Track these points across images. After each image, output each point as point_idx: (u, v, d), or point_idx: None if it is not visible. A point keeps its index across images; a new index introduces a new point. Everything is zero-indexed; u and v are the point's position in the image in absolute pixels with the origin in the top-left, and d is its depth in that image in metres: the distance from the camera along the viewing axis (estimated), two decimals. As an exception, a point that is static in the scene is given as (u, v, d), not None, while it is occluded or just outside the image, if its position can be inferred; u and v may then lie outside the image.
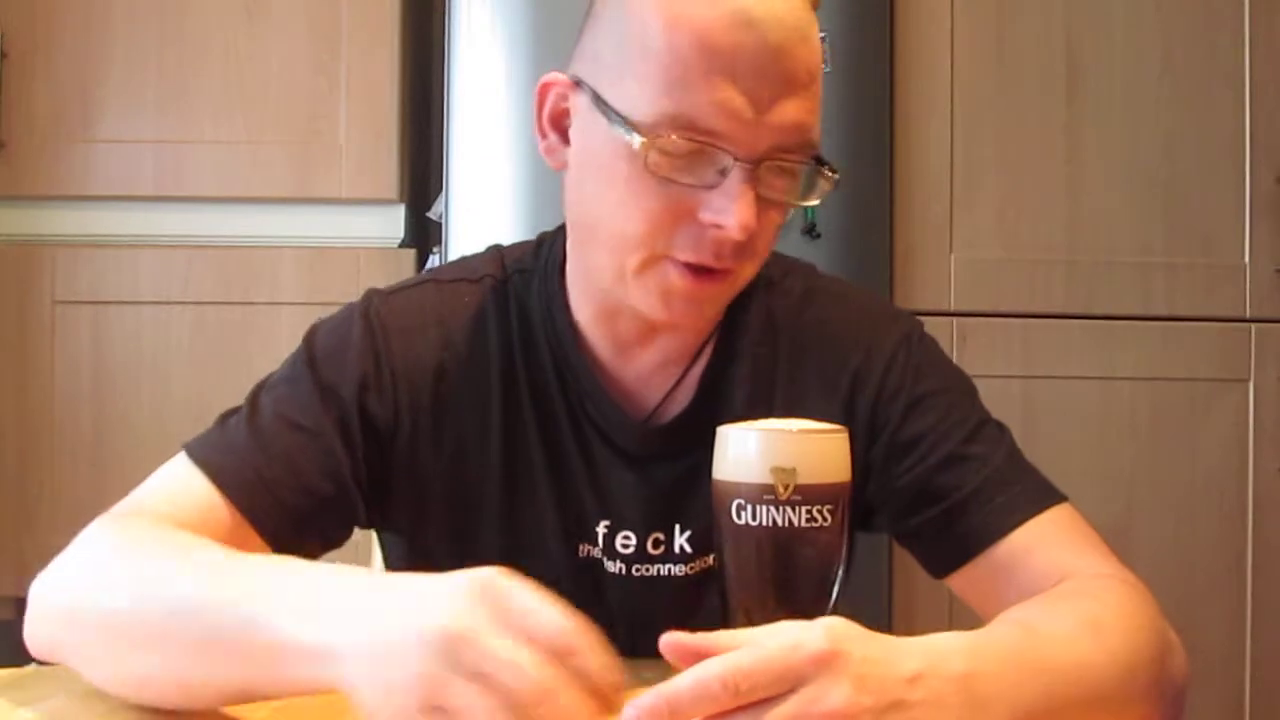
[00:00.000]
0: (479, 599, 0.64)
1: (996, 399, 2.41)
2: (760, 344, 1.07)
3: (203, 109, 2.30)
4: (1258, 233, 2.32)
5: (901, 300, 2.21)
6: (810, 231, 2.17)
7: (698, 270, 0.92)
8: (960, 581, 1.00)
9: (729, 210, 0.88)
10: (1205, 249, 2.32)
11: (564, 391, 1.04)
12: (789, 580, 0.78)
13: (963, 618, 0.86)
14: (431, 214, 2.36)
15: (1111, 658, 0.81)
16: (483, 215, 2.15)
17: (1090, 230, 2.31)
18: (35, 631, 0.88)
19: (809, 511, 0.78)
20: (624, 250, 0.93)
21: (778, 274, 1.10)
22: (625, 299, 0.97)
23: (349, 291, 2.19)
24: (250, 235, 2.32)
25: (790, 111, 0.89)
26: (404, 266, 2.29)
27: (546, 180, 2.14)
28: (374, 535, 1.23)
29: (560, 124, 0.98)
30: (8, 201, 2.30)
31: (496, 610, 0.64)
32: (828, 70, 2.16)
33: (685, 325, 0.99)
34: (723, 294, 0.97)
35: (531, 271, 1.07)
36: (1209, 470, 2.29)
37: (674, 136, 0.88)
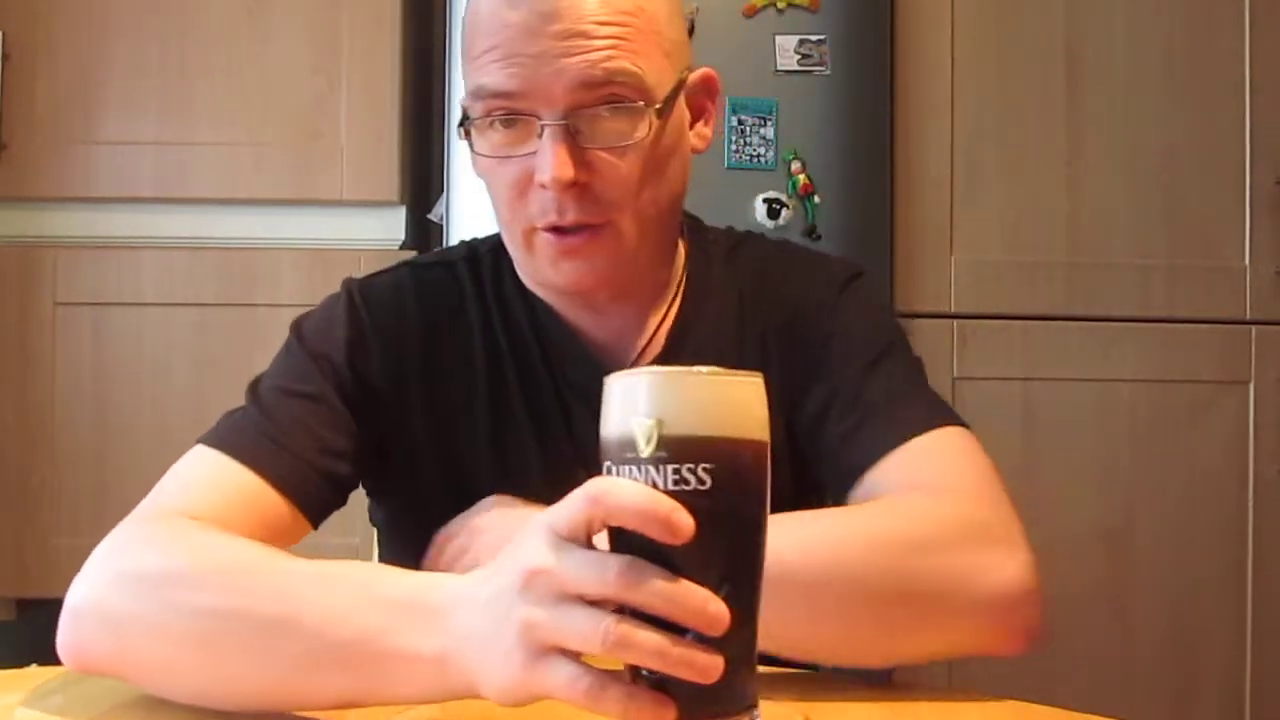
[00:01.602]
0: (540, 537, 0.64)
1: (997, 400, 2.41)
2: (723, 297, 1.11)
3: (203, 111, 2.30)
4: (1258, 234, 2.32)
5: (902, 301, 2.21)
6: (810, 233, 2.18)
7: (556, 230, 0.99)
8: (848, 503, 1.01)
9: (544, 167, 0.95)
10: (1205, 250, 2.32)
11: (544, 357, 1.08)
12: (665, 560, 0.62)
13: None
14: (432, 216, 2.36)
15: (835, 563, 0.84)
16: (483, 217, 2.14)
17: (1090, 232, 2.31)
18: (84, 642, 0.84)
19: (677, 472, 0.63)
20: (509, 232, 1.03)
21: (741, 239, 1.17)
22: (534, 279, 1.04)
23: (349, 293, 2.22)
24: (251, 237, 2.32)
25: (574, 62, 0.95)
26: (404, 268, 2.29)
27: (547, 181, 2.14)
28: (375, 537, 1.23)
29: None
30: (9, 203, 2.30)
31: (550, 537, 0.64)
32: (825, 72, 2.18)
33: (589, 288, 1.03)
34: (607, 249, 1.00)
35: (502, 250, 1.11)
36: (1209, 471, 2.29)
37: (480, 115, 0.97)
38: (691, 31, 1.12)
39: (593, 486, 0.63)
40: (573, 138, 0.96)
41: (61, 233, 2.31)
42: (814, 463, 1.05)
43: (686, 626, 0.61)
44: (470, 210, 2.17)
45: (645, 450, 0.63)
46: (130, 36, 2.30)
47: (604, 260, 1.01)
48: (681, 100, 1.03)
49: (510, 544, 0.67)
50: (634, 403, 0.65)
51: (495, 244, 1.12)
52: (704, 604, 0.60)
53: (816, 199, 2.19)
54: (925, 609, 0.86)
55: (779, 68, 2.17)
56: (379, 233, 2.33)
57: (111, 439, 2.27)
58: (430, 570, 0.98)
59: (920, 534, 0.87)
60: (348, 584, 0.77)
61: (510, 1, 0.96)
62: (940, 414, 1.02)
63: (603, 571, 0.61)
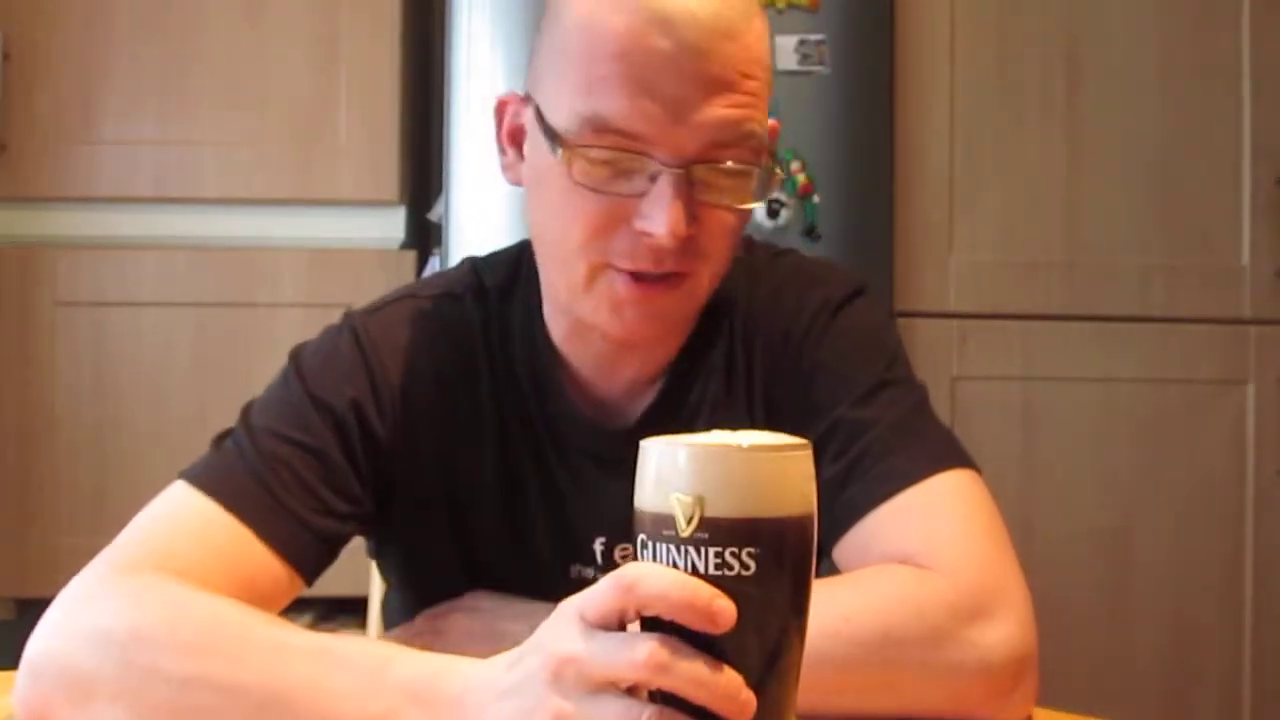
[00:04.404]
0: (569, 624, 0.63)
1: (996, 400, 2.41)
2: (721, 331, 1.04)
3: (203, 110, 2.30)
4: (1257, 234, 2.32)
5: (901, 301, 2.21)
6: (810, 233, 2.17)
7: (637, 277, 0.91)
8: (836, 557, 0.97)
9: (656, 217, 0.87)
10: (1205, 250, 2.32)
11: (545, 416, 1.02)
12: (700, 640, 0.59)
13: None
14: (432, 215, 2.36)
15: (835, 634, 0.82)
16: (483, 217, 2.15)
17: (1090, 231, 2.31)
18: (44, 701, 0.79)
19: (719, 556, 0.59)
20: (569, 262, 0.93)
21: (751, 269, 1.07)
22: (582, 316, 0.96)
23: (349, 293, 2.22)
24: (251, 237, 2.32)
25: (716, 113, 0.87)
26: (404, 268, 2.29)
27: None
28: (373, 567, 1.23)
29: (517, 139, 0.98)
30: (9, 203, 2.30)
31: (579, 624, 0.62)
32: (825, 72, 2.18)
33: (645, 339, 0.97)
34: (678, 302, 0.94)
35: (510, 289, 1.05)
36: (1209, 471, 2.29)
37: (594, 146, 0.88)
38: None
39: (625, 575, 0.60)
40: (689, 189, 0.88)
41: (61, 233, 2.31)
42: None
43: (717, 714, 0.59)
44: (470, 210, 2.17)
45: (685, 530, 0.59)
46: (130, 37, 2.30)
47: (672, 311, 0.95)
48: None
49: (539, 631, 0.64)
50: (673, 475, 0.60)
51: (504, 281, 1.06)
52: (736, 691, 0.59)
53: (816, 199, 2.19)
54: (912, 696, 0.85)
55: (778, 67, 2.17)
56: (379, 232, 2.33)
57: (111, 439, 2.27)
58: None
59: (903, 625, 0.85)
60: (349, 663, 0.72)
61: (660, 26, 0.86)
62: (939, 456, 0.96)
63: (632, 656, 0.59)
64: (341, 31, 2.30)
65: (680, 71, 0.86)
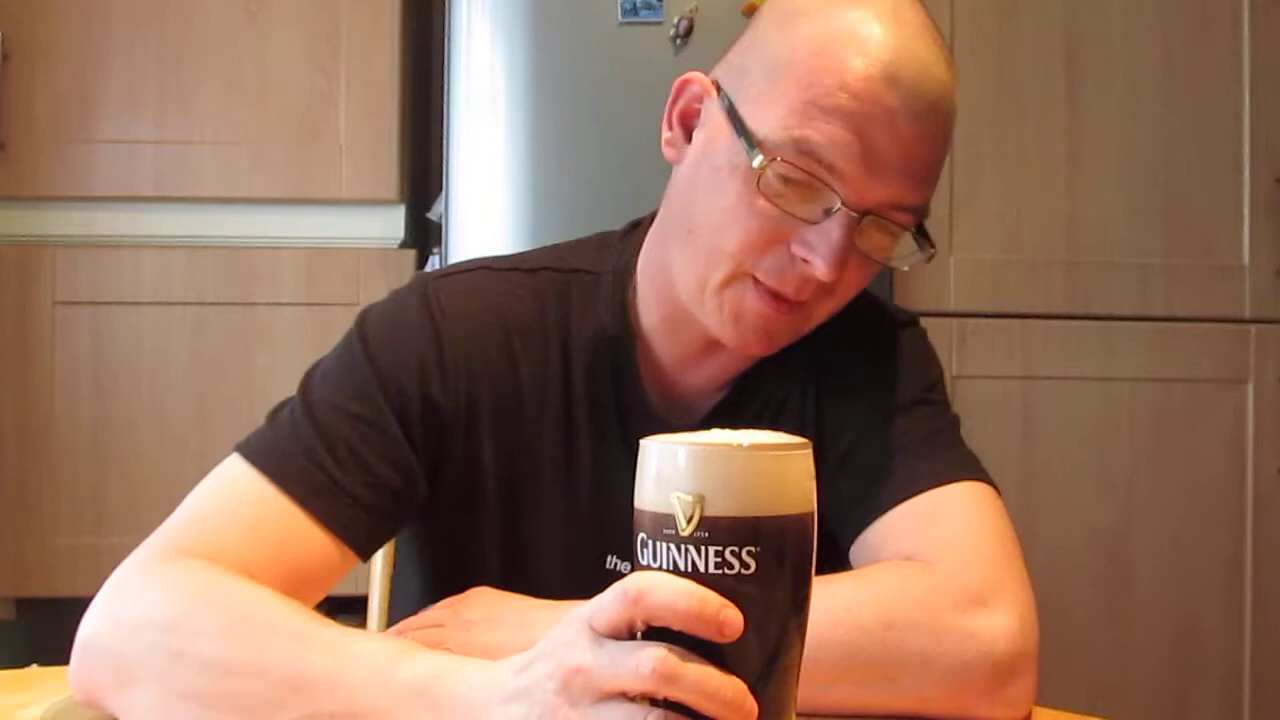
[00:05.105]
0: (578, 633, 0.63)
1: (996, 400, 2.41)
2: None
3: (203, 109, 2.30)
4: (1257, 233, 2.32)
5: (901, 301, 2.21)
6: (810, 232, 2.17)
7: (775, 296, 0.93)
8: (851, 556, 0.98)
9: (822, 252, 0.90)
10: (1205, 249, 2.32)
11: (618, 402, 1.03)
12: (704, 646, 0.59)
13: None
14: (431, 215, 2.36)
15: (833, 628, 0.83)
16: (482, 216, 2.15)
17: (1090, 230, 2.31)
18: (92, 678, 0.82)
19: (719, 554, 0.59)
20: (712, 261, 0.94)
21: None
22: (699, 312, 0.97)
23: (349, 292, 2.23)
24: (250, 236, 2.32)
25: (908, 183, 0.91)
26: (404, 267, 2.29)
27: (546, 181, 2.14)
28: (373, 566, 1.22)
29: (687, 121, 0.99)
30: (8, 202, 2.30)
31: (588, 634, 0.63)
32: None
33: (751, 353, 0.99)
34: (794, 326, 0.97)
35: (598, 273, 1.05)
36: (1209, 471, 2.29)
37: (794, 165, 0.89)
38: (691, 31, 1.10)
39: (633, 585, 0.60)
40: (855, 233, 0.91)
41: (60, 232, 2.31)
42: (831, 506, 1.02)
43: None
44: (470, 209, 2.16)
45: (685, 529, 0.60)
46: (129, 36, 2.29)
47: (785, 335, 0.98)
48: None
49: (547, 638, 0.65)
50: (673, 474, 0.61)
51: (590, 265, 1.05)
52: (741, 700, 0.60)
53: (816, 198, 2.19)
54: (912, 688, 0.85)
55: (779, 67, 2.17)
56: (378, 231, 2.33)
57: (111, 438, 2.27)
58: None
59: (904, 616, 0.85)
60: (364, 657, 0.74)
61: (892, 82, 0.89)
62: (960, 468, 0.98)
63: (638, 666, 0.59)
64: (341, 30, 2.30)
65: (895, 132, 0.89)
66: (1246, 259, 2.32)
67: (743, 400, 1.04)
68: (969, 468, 0.99)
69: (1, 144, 2.27)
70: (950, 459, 0.99)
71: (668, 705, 0.60)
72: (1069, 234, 2.31)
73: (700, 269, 0.96)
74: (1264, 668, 2.28)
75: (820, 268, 0.90)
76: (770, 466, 0.61)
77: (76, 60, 2.29)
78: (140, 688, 0.79)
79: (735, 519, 0.60)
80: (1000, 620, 0.86)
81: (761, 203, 0.91)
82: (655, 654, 0.59)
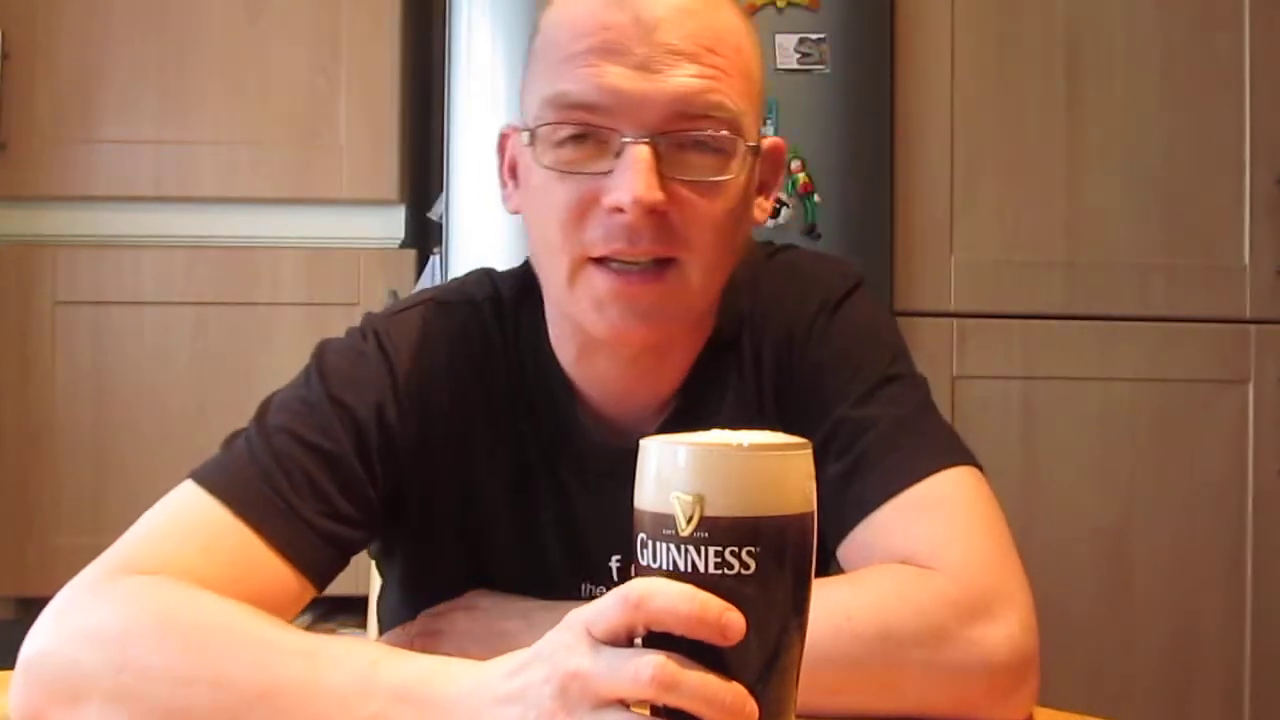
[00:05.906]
0: (576, 638, 0.63)
1: (996, 400, 2.41)
2: (731, 348, 1.03)
3: (203, 109, 2.30)
4: (1257, 234, 2.32)
5: (901, 301, 2.21)
6: (810, 232, 2.17)
7: (622, 271, 0.90)
8: (840, 557, 0.97)
9: (619, 182, 0.87)
10: (1205, 250, 2.32)
11: (566, 434, 1.01)
12: (703, 649, 0.59)
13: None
14: (432, 214, 2.36)
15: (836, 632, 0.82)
16: (483, 216, 2.15)
17: (1090, 231, 2.31)
18: (39, 702, 0.79)
19: (719, 555, 0.59)
20: (555, 262, 0.93)
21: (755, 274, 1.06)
22: (575, 318, 0.95)
23: (349, 292, 2.23)
24: (250, 235, 2.32)
25: (677, 81, 0.88)
26: (404, 267, 2.29)
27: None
28: (372, 567, 1.22)
29: (516, 170, 0.99)
30: (8, 202, 2.30)
31: (587, 640, 0.62)
32: (826, 71, 2.18)
33: (633, 340, 0.94)
34: (664, 297, 0.91)
35: (521, 304, 1.04)
36: (1209, 471, 2.29)
37: (556, 122, 0.89)
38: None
39: (633, 590, 0.60)
40: (657, 161, 0.88)
41: (61, 232, 2.31)
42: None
43: None
44: (470, 209, 2.17)
45: (685, 529, 0.59)
46: (130, 35, 2.29)
47: (659, 308, 0.92)
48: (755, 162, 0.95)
49: (543, 641, 0.64)
50: (673, 474, 0.60)
51: (516, 294, 1.04)
52: (741, 705, 0.59)
53: (816, 198, 2.19)
54: (913, 696, 0.85)
55: (779, 66, 2.17)
56: (378, 231, 2.33)
57: (111, 438, 2.27)
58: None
59: (905, 624, 0.84)
60: (338, 663, 0.72)
61: (617, 4, 0.89)
62: (941, 453, 0.96)
63: (637, 673, 0.59)
64: (342, 31, 2.30)
65: (637, 39, 0.88)
66: (1247, 259, 2.32)
67: (691, 409, 1.00)
68: (950, 451, 0.96)
69: (2, 144, 2.27)
70: (929, 445, 0.97)
71: (667, 712, 0.60)
72: (1069, 234, 2.31)
73: (554, 275, 0.94)
74: (1264, 668, 2.28)
75: (625, 200, 0.86)
76: (770, 466, 0.61)
77: (77, 60, 2.29)
78: (92, 704, 0.76)
79: (735, 519, 0.60)
80: (1001, 627, 0.86)
81: (554, 179, 0.90)
82: (655, 660, 0.59)
